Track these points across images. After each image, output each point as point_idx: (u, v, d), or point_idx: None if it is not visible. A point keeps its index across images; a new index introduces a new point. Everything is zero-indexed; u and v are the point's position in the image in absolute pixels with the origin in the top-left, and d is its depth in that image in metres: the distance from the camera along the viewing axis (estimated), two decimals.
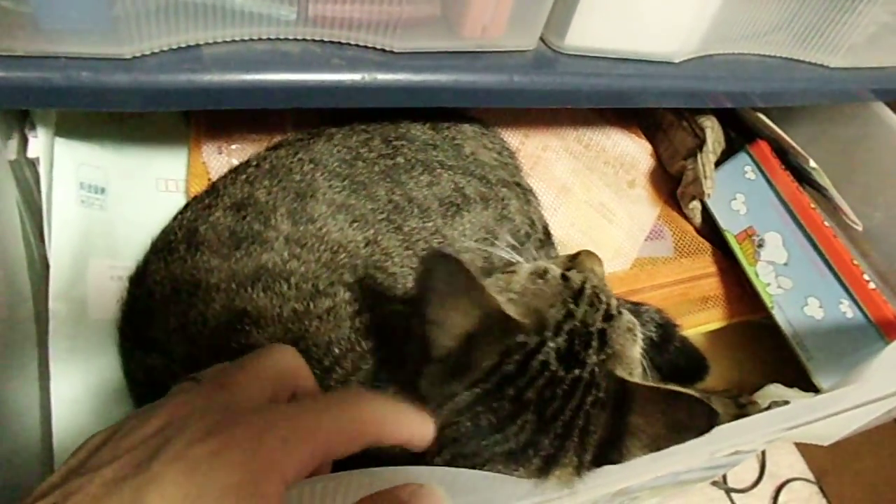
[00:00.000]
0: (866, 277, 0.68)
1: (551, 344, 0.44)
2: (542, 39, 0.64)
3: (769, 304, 0.73)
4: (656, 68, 0.67)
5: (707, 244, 0.82)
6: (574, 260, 0.54)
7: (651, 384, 0.45)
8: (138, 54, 0.51)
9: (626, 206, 0.80)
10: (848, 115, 0.84)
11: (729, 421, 0.75)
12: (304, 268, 0.53)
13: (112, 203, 0.64)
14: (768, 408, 0.73)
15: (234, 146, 0.72)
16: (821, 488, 1.13)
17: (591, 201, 0.78)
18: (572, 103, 0.77)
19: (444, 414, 0.41)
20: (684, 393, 0.42)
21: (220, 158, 0.71)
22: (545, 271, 0.50)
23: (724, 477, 1.06)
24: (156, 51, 0.52)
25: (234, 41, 0.54)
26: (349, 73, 0.57)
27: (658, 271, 0.79)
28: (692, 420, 0.42)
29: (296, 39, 0.56)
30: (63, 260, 0.59)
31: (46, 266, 0.58)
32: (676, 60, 0.68)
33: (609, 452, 0.43)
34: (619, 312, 0.50)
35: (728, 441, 0.63)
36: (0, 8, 0.46)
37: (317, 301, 0.52)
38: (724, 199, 0.79)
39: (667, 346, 0.74)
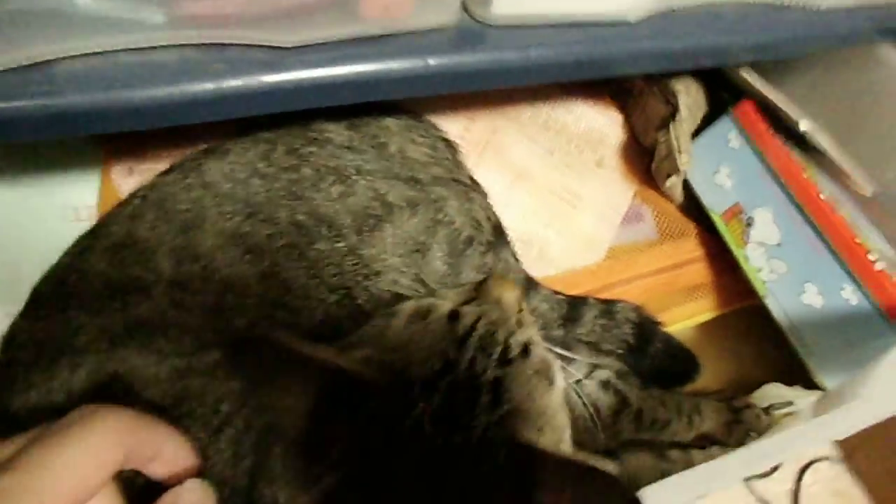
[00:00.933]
0: (872, 257, 0.57)
1: (421, 405, 0.36)
2: (465, 11, 0.55)
3: (761, 292, 0.64)
4: (609, 31, 0.58)
5: (692, 225, 0.72)
6: (479, 289, 0.46)
7: (561, 455, 0.37)
8: None
9: (595, 189, 0.70)
10: (849, 62, 0.72)
11: (722, 427, 0.67)
12: (185, 317, 0.46)
13: (6, 242, 0.58)
14: (767, 410, 0.64)
15: (145, 165, 0.65)
16: (849, 467, 1.04)
17: (553, 187, 0.69)
18: (510, 82, 0.67)
19: (313, 498, 0.34)
20: (600, 471, 0.34)
21: (130, 180, 0.63)
22: (428, 311, 0.41)
23: None
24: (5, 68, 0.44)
25: (94, 54, 0.47)
26: (233, 78, 0.49)
27: (636, 260, 0.70)
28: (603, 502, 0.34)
29: (170, 46, 0.48)
30: None
31: None
32: (632, 19, 0.58)
33: None
34: (526, 353, 0.41)
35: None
36: None
37: (200, 355, 0.45)
38: (706, 173, 0.68)
39: (646, 349, 0.65)
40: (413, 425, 0.35)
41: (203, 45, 0.48)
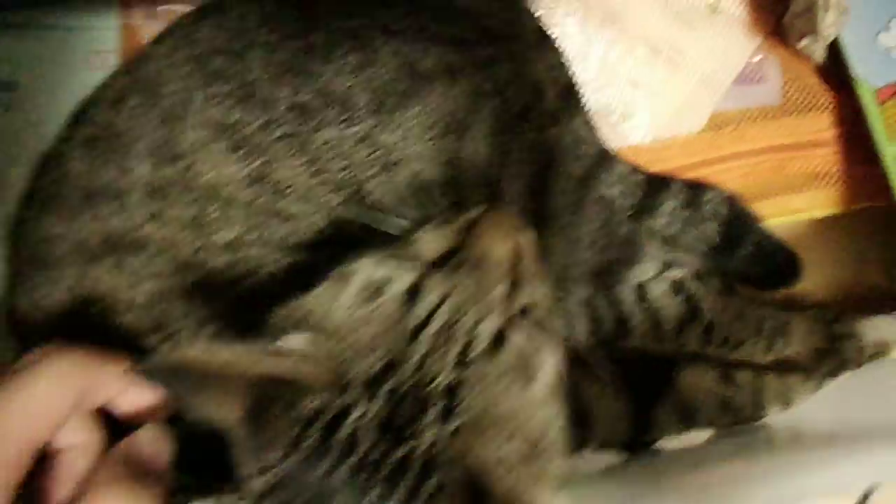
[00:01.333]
0: None
1: (360, 410, 0.30)
2: None
3: None
4: None
5: (829, 95, 0.55)
6: (466, 234, 0.35)
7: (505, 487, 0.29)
8: None
9: (704, 42, 0.54)
10: None
11: (811, 354, 0.57)
12: (163, 231, 0.40)
13: (22, 101, 0.53)
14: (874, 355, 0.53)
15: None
16: None
17: (650, 36, 0.54)
18: None
19: (264, 483, 0.30)
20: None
21: (150, 24, 0.55)
22: (381, 285, 0.33)
23: None
24: None
25: None
26: None
27: (745, 133, 0.56)
28: None
29: None
30: None
31: None
32: None
33: None
34: (498, 345, 0.32)
35: None
36: None
37: (180, 275, 0.40)
38: (867, 30, 0.50)
39: (735, 251, 0.54)
40: (348, 437, 0.30)
41: None
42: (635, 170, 0.55)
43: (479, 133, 0.48)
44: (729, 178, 0.56)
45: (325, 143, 0.44)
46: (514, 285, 0.34)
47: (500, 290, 0.33)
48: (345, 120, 0.44)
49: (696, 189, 0.55)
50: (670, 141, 0.57)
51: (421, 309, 0.32)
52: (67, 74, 0.57)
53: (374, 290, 0.32)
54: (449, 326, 0.31)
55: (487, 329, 0.32)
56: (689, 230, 0.54)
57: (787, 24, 0.53)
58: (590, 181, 0.52)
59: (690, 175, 0.57)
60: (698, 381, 0.56)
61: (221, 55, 0.43)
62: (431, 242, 0.35)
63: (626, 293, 0.54)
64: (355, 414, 0.30)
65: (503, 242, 0.34)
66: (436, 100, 0.46)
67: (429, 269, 0.33)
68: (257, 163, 0.42)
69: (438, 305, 0.32)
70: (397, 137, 0.45)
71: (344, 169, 0.44)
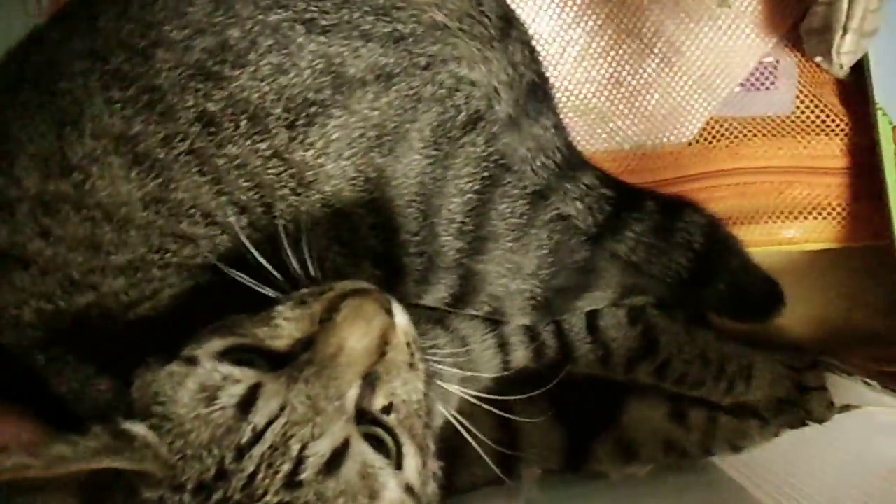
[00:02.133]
0: None
1: None
2: None
3: None
4: None
5: (847, 120, 0.47)
6: (324, 314, 0.31)
7: None
8: None
9: (708, 36, 0.46)
10: None
11: (772, 403, 0.52)
12: (51, 250, 0.38)
13: None
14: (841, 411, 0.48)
15: None
16: None
17: (642, 31, 0.46)
18: None
19: None
20: None
21: None
22: (213, 390, 0.29)
23: None
24: None
25: None
26: None
27: (739, 150, 0.48)
28: None
29: None
30: None
31: None
32: None
33: None
34: (334, 465, 0.29)
35: None
36: None
37: (71, 298, 0.37)
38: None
39: (705, 288, 0.48)
40: None
41: None
42: (606, 181, 0.49)
43: (412, 147, 0.42)
44: (718, 197, 0.50)
45: (232, 159, 0.39)
46: (371, 386, 0.31)
47: (350, 394, 0.30)
48: (255, 134, 0.39)
49: (672, 210, 0.49)
50: (655, 150, 0.50)
51: (256, 420, 0.29)
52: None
53: (210, 395, 0.29)
54: (283, 443, 0.28)
55: (323, 447, 0.29)
56: (656, 260, 0.48)
57: (804, 31, 0.44)
58: (546, 198, 0.47)
59: (674, 191, 0.50)
60: (646, 416, 0.53)
61: (125, 51, 0.39)
62: (288, 325, 0.31)
63: (575, 321, 0.50)
64: None
65: (362, 335, 0.30)
66: (363, 109, 0.41)
67: (274, 367, 0.30)
68: (157, 181, 0.38)
69: (275, 418, 0.29)
70: (313, 154, 0.40)
71: (251, 189, 0.40)
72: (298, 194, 0.40)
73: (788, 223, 0.51)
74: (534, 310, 0.47)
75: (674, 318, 0.51)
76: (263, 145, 0.40)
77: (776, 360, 0.51)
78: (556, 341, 0.50)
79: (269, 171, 0.40)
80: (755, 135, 0.50)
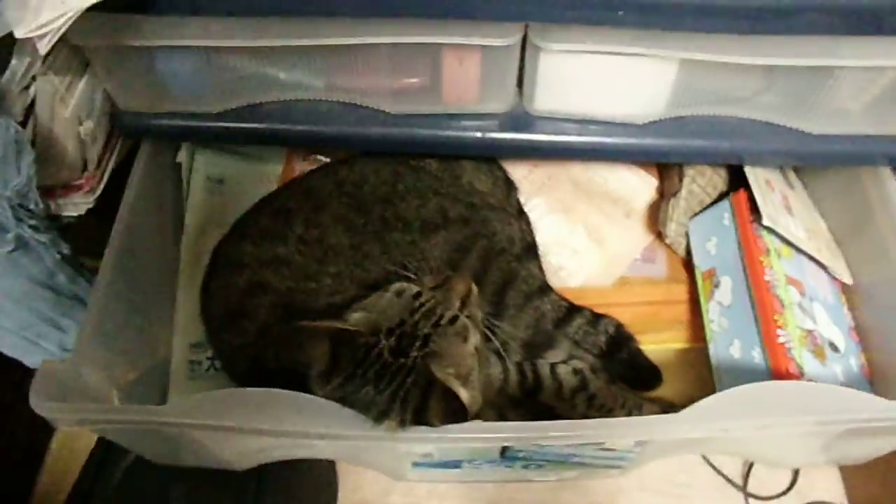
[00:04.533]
0: (780, 332, 0.76)
1: (383, 342, 0.67)
2: (519, 103, 0.81)
3: (708, 338, 0.84)
4: (621, 129, 0.81)
5: (687, 275, 0.93)
6: (446, 278, 0.74)
7: (442, 380, 0.64)
8: (222, 110, 0.80)
9: (619, 232, 0.93)
10: (860, 177, 0.86)
11: None
12: (301, 258, 0.81)
13: (228, 190, 0.97)
14: None
15: (311, 156, 1.01)
16: None
17: (587, 224, 0.94)
18: (542, 157, 0.93)
19: (329, 388, 0.67)
20: (444, 387, 0.63)
21: (303, 164, 1.00)
22: (403, 290, 0.71)
23: (745, 480, 1.13)
24: (234, 107, 0.80)
25: (283, 101, 0.81)
26: (359, 127, 0.81)
27: (635, 291, 0.93)
28: (445, 407, 0.63)
29: (326, 101, 0.81)
30: (192, 227, 0.93)
31: (181, 230, 0.93)
32: (640, 122, 0.80)
33: (420, 417, 0.65)
34: (451, 322, 0.69)
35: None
36: (153, 86, 0.77)
37: (305, 283, 0.79)
38: (702, 239, 0.89)
39: (613, 355, 0.89)
40: (377, 353, 0.66)
41: (344, 103, 0.80)
42: (563, 299, 0.92)
43: (473, 255, 0.87)
44: (623, 315, 0.92)
45: (393, 239, 0.84)
46: (464, 303, 0.72)
47: (456, 302, 0.71)
48: (404, 231, 0.85)
49: (597, 316, 0.91)
50: (589, 288, 0.94)
51: (418, 301, 0.69)
52: (250, 178, 1.01)
53: (400, 292, 0.70)
54: (431, 309, 0.69)
55: (448, 314, 0.69)
56: (588, 338, 0.89)
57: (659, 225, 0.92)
58: (533, 299, 0.89)
59: (600, 310, 0.93)
60: None
61: (349, 184, 0.87)
62: (430, 280, 0.74)
63: (544, 366, 0.89)
64: (380, 345, 0.67)
65: (463, 286, 0.73)
66: (453, 233, 0.87)
67: (427, 289, 0.72)
68: (356, 240, 0.83)
69: (427, 300, 0.69)
70: (429, 247, 0.85)
71: (399, 254, 0.84)
72: (418, 261, 0.84)
73: (663, 332, 0.93)
74: (522, 349, 0.88)
75: (600, 376, 0.90)
76: (408, 237, 0.84)
77: (654, 403, 0.89)
78: (532, 375, 0.88)
79: (409, 248, 0.84)
80: (642, 285, 0.95)
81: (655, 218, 0.95)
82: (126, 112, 0.81)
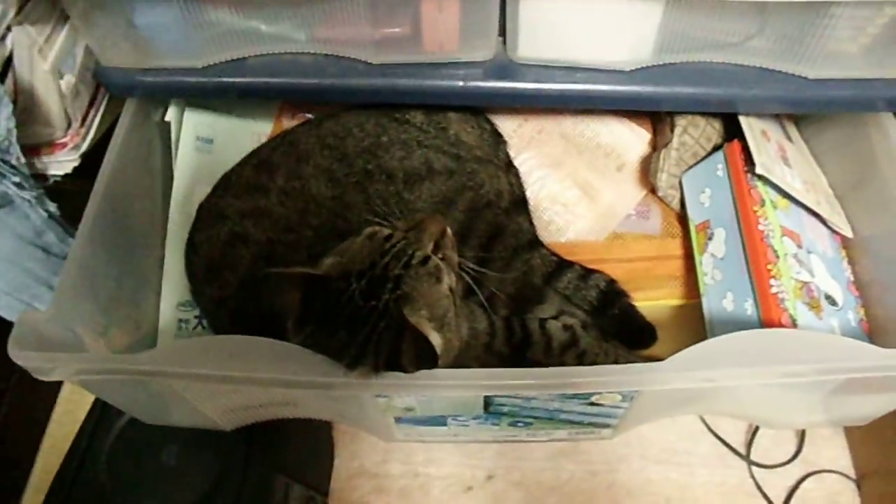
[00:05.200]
0: (773, 282, 0.73)
1: (354, 286, 0.65)
2: (502, 50, 0.79)
3: (701, 291, 0.82)
4: (607, 76, 0.79)
5: (681, 229, 0.90)
6: (419, 219, 0.72)
7: (413, 323, 0.63)
8: (207, 64, 0.79)
9: (611, 187, 0.91)
10: (862, 125, 0.83)
11: None
12: (283, 210, 0.80)
13: (217, 150, 0.97)
14: None
15: (297, 116, 1.00)
16: (859, 487, 1.09)
17: (577, 179, 0.91)
18: (527, 106, 0.91)
19: (301, 336, 0.67)
20: (416, 330, 0.61)
21: (292, 122, 0.99)
22: (374, 233, 0.69)
23: (749, 449, 1.10)
24: (218, 62, 0.80)
25: (266, 55, 0.80)
26: (341, 78, 0.80)
27: (628, 246, 0.90)
28: (417, 351, 0.62)
29: (308, 53, 0.80)
30: (180, 186, 0.93)
31: (169, 190, 0.93)
32: (627, 69, 0.78)
33: (394, 362, 0.64)
34: (423, 263, 0.67)
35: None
36: (133, 41, 0.76)
37: (286, 234, 0.79)
38: (695, 191, 0.86)
39: (604, 311, 0.87)
40: (348, 297, 0.65)
41: (327, 55, 0.79)
42: (554, 254, 0.90)
43: (459, 207, 0.85)
44: (615, 271, 0.90)
45: (376, 191, 0.83)
46: (437, 245, 0.70)
47: (429, 244, 0.69)
48: (387, 182, 0.83)
49: (588, 271, 0.89)
50: (581, 242, 0.92)
51: (389, 242, 0.68)
52: (240, 138, 1.00)
53: (371, 235, 0.69)
54: (402, 250, 0.67)
55: (419, 254, 0.67)
56: (578, 293, 0.88)
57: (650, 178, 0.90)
58: (521, 253, 0.87)
59: (592, 266, 0.91)
60: None
61: (332, 137, 0.86)
62: (403, 223, 0.72)
63: (532, 322, 0.87)
64: (351, 288, 0.66)
65: (435, 227, 0.71)
66: (438, 184, 0.85)
67: (400, 230, 0.70)
68: (338, 191, 0.82)
69: (397, 242, 0.68)
70: (412, 197, 0.84)
71: (382, 205, 0.82)
72: (402, 213, 0.82)
73: (657, 289, 0.90)
74: (508, 303, 0.86)
75: (590, 332, 0.88)
76: (391, 188, 0.83)
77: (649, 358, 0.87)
78: (521, 331, 0.86)
79: (392, 199, 0.82)
80: (636, 239, 0.92)
81: (648, 172, 0.92)
82: (109, 68, 0.81)
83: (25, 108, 0.79)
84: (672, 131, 0.86)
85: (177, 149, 0.94)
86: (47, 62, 0.75)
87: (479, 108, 0.92)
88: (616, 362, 0.87)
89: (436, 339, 0.63)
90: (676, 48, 0.77)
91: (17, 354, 0.67)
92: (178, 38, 0.77)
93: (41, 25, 0.74)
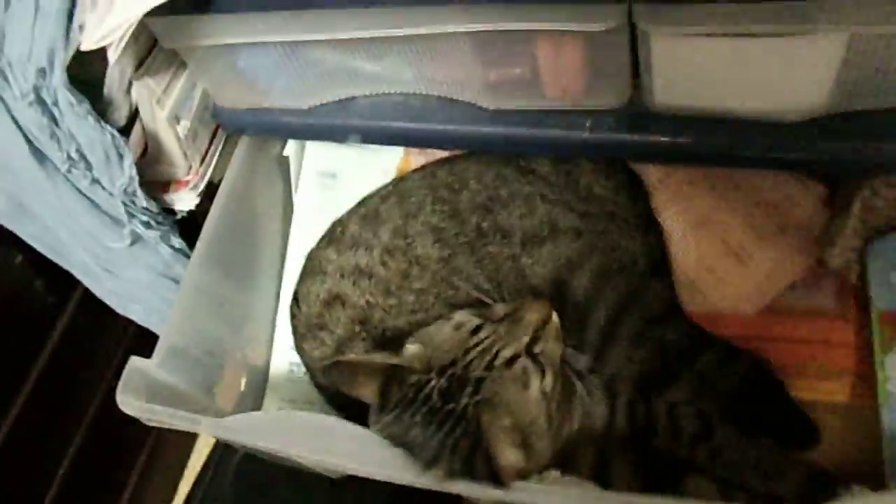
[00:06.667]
0: None
1: (433, 383, 0.59)
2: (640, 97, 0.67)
3: (880, 399, 0.65)
4: (767, 129, 0.65)
5: (857, 314, 0.72)
6: (519, 305, 0.64)
7: (488, 435, 0.55)
8: (311, 105, 0.76)
9: (769, 252, 0.76)
10: None
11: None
12: (384, 271, 0.75)
13: (342, 185, 0.93)
14: None
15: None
16: None
17: (730, 240, 0.77)
18: (663, 162, 0.77)
19: (379, 425, 0.62)
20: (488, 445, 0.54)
21: (419, 158, 0.92)
22: (462, 323, 0.62)
23: None
24: (322, 103, 0.76)
25: (374, 95, 0.75)
26: (454, 124, 0.73)
27: (787, 324, 0.75)
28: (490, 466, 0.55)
29: (417, 94, 0.73)
30: (301, 223, 0.91)
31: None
32: (792, 120, 0.63)
33: (469, 470, 0.57)
34: (510, 363, 0.59)
35: None
36: (241, 83, 0.75)
37: (386, 298, 0.73)
38: (885, 269, 0.68)
39: (752, 400, 0.72)
40: (427, 395, 0.59)
41: (438, 97, 0.72)
42: (694, 326, 0.77)
43: (584, 274, 0.75)
44: (769, 353, 0.75)
45: (488, 254, 0.75)
46: (534, 339, 0.62)
47: (524, 338, 0.61)
48: (504, 244, 0.75)
49: (734, 350, 0.75)
50: (730, 316, 0.78)
51: (477, 338, 0.61)
52: (366, 174, 0.94)
53: (458, 326, 0.62)
54: (487, 347, 0.60)
55: (506, 354, 0.60)
56: (720, 376, 0.74)
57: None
58: (653, 327, 0.75)
59: (740, 344, 0.76)
60: (701, 487, 0.73)
61: (445, 188, 0.79)
62: (501, 309, 0.64)
63: (659, 405, 0.75)
64: (431, 385, 0.60)
65: (536, 314, 0.62)
66: (562, 247, 0.75)
67: (491, 320, 0.62)
68: (447, 252, 0.75)
69: (487, 337, 0.60)
70: (531, 261, 0.75)
71: (494, 270, 0.75)
72: (516, 279, 0.74)
73: (818, 380, 0.74)
74: (631, 386, 0.75)
75: (730, 425, 0.75)
76: (507, 251, 0.75)
77: (803, 467, 0.71)
78: (645, 416, 0.75)
79: (507, 264, 0.75)
80: (799, 316, 0.76)
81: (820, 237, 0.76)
82: (223, 108, 0.80)
83: (153, 151, 0.81)
84: (857, 190, 0.69)
85: (297, 184, 0.92)
86: (165, 110, 0.76)
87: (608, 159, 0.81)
88: (758, 465, 0.72)
89: (511, 456, 0.55)
90: (862, 91, 0.60)
91: (124, 403, 0.68)
92: (279, 80, 0.74)
93: (160, 77, 0.75)
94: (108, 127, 0.72)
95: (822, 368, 0.74)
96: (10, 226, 0.83)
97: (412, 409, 0.60)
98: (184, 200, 0.86)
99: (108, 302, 0.95)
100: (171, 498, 1.14)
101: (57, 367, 0.97)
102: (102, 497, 1.09)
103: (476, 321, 0.63)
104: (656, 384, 0.75)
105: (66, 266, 0.89)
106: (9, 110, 0.70)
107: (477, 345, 0.61)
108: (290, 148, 0.91)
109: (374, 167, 0.95)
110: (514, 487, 0.55)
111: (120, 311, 0.97)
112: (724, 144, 0.65)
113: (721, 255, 0.78)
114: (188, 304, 0.76)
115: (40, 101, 0.68)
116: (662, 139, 0.67)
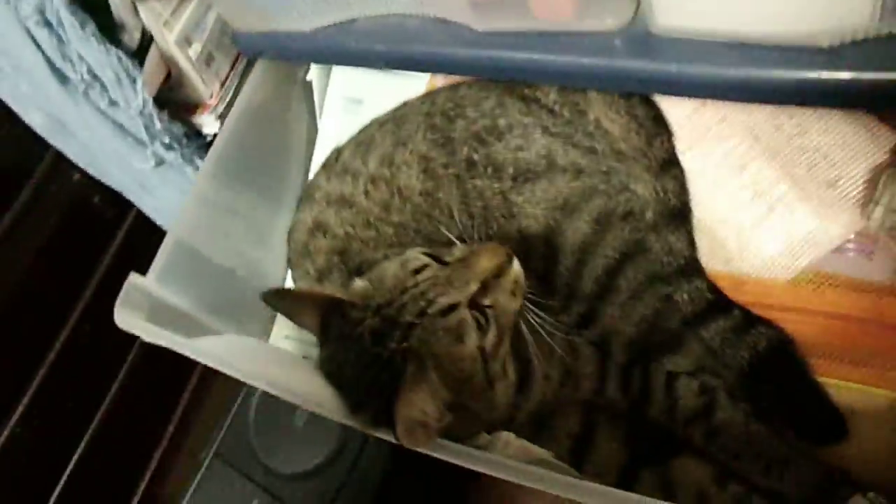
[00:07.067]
0: None
1: (368, 322, 0.55)
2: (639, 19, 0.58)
3: None
4: (794, 56, 0.53)
5: None
6: (473, 250, 0.57)
7: (408, 389, 0.51)
8: (313, 28, 0.73)
9: (816, 207, 0.62)
10: None
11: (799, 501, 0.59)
12: (365, 201, 0.71)
13: (367, 111, 0.89)
14: None
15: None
16: None
17: (764, 190, 0.64)
18: (667, 94, 0.66)
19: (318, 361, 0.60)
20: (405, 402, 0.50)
21: (445, 83, 0.86)
22: (406, 262, 0.56)
23: None
24: (324, 24, 0.73)
25: (373, 18, 0.70)
26: (442, 47, 0.67)
27: (828, 295, 0.62)
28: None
29: (411, 15, 0.68)
30: (324, 149, 0.89)
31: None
32: (826, 44, 0.51)
33: (391, 423, 0.51)
34: (444, 314, 0.53)
35: None
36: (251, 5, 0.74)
37: (364, 230, 0.70)
38: None
39: (765, 380, 0.62)
40: (359, 334, 0.55)
41: (434, 18, 0.67)
42: (711, 288, 0.67)
43: (583, 217, 0.67)
44: (797, 328, 0.64)
45: (475, 188, 0.68)
46: (484, 288, 0.55)
47: (472, 286, 0.55)
48: (494, 178, 0.68)
49: (752, 320, 0.64)
50: (756, 280, 0.67)
51: (418, 278, 0.55)
52: (393, 98, 0.86)
53: (403, 263, 0.57)
54: (423, 292, 0.55)
55: (442, 302, 0.54)
56: (727, 350, 0.64)
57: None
58: (656, 283, 0.66)
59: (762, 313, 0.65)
60: (693, 468, 0.64)
61: (441, 115, 0.72)
62: (457, 251, 0.58)
63: (658, 373, 0.66)
64: (365, 323, 0.56)
65: (488, 262, 0.56)
66: (558, 185, 0.67)
67: (439, 262, 0.57)
68: (431, 184, 0.70)
69: (427, 279, 0.55)
70: (522, 199, 0.67)
71: (481, 207, 0.68)
72: (505, 218, 0.68)
73: (856, 365, 0.62)
74: (625, 349, 0.67)
75: (737, 405, 0.65)
76: (496, 185, 0.68)
77: (812, 463, 0.61)
78: (640, 384, 0.67)
79: (495, 200, 0.68)
80: (843, 286, 0.63)
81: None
82: (240, 32, 0.79)
83: (175, 75, 0.81)
84: None
85: (322, 109, 0.90)
86: (173, 33, 0.76)
87: (606, 89, 0.70)
88: (760, 457, 0.62)
89: (433, 413, 0.50)
90: None
91: (121, 320, 0.69)
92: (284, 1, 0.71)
93: (166, 1, 0.75)
94: (114, 48, 0.73)
95: (860, 350, 0.61)
96: (55, 143, 0.88)
97: (345, 348, 0.56)
98: (209, 124, 0.87)
99: (153, 218, 1.00)
100: None
101: (113, 282, 1.04)
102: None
103: (424, 260, 0.58)
104: (656, 349, 0.67)
105: (110, 184, 0.94)
106: (29, 32, 0.74)
107: (416, 286, 0.56)
108: (315, 73, 0.88)
109: (401, 93, 0.90)
110: (414, 447, 0.51)
111: (165, 227, 1.01)
112: (742, 74, 0.54)
113: (752, 208, 0.66)
114: (191, 218, 0.76)
115: (46, 23, 0.71)
116: (665, 69, 0.57)
